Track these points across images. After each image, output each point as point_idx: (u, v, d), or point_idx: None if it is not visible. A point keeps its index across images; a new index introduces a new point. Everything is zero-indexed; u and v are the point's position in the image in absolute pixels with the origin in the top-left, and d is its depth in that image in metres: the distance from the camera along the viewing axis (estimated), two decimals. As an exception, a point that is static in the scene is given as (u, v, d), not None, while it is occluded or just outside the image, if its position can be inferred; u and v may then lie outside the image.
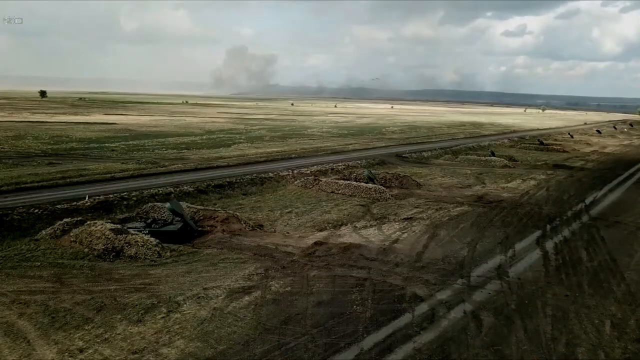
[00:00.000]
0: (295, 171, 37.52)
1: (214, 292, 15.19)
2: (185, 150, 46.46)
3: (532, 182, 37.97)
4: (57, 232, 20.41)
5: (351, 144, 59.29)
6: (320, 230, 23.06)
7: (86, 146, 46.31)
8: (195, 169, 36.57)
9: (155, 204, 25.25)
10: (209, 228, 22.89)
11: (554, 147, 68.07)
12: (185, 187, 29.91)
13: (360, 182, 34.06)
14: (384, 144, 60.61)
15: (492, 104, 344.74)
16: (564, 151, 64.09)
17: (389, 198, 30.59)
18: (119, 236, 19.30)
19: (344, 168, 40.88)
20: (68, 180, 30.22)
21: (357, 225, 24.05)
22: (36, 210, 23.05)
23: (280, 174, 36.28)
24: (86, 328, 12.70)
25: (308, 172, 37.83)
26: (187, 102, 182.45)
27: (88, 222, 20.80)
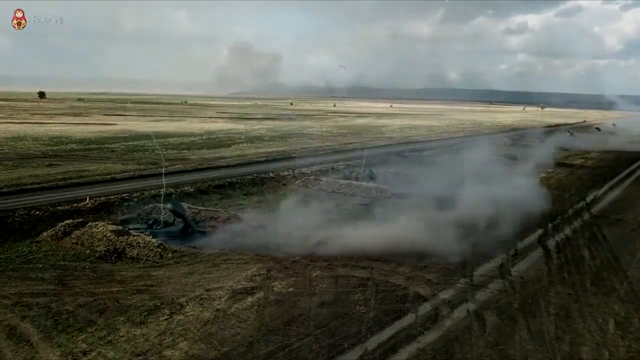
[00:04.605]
0: (295, 171, 37.49)
1: (216, 293, 15.16)
2: (186, 151, 46.44)
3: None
4: (59, 233, 20.35)
5: (351, 142, 59.23)
6: (322, 230, 22.98)
7: (86, 147, 46.27)
8: (196, 170, 36.55)
9: (157, 205, 25.21)
10: (210, 229, 22.87)
11: None
12: (186, 188, 29.89)
13: (361, 181, 34.07)
14: (383, 143, 60.56)
15: (490, 102, 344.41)
16: (565, 149, 64.17)
17: (389, 197, 30.56)
18: (120, 237, 19.28)
19: (344, 167, 40.83)
20: (68, 181, 30.18)
21: (358, 224, 23.98)
22: (37, 212, 23.02)
23: (281, 173, 36.25)
24: (89, 330, 12.67)
25: (308, 171, 37.80)
26: (186, 102, 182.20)
27: (89, 224, 20.76)
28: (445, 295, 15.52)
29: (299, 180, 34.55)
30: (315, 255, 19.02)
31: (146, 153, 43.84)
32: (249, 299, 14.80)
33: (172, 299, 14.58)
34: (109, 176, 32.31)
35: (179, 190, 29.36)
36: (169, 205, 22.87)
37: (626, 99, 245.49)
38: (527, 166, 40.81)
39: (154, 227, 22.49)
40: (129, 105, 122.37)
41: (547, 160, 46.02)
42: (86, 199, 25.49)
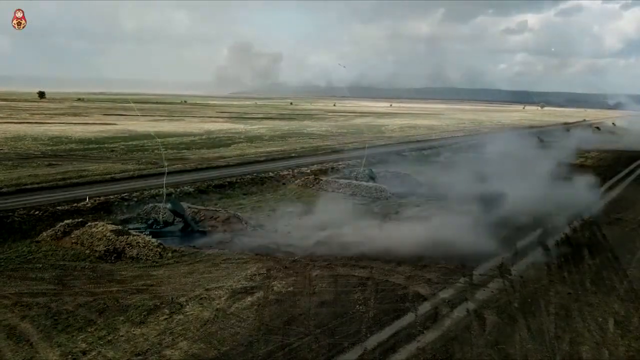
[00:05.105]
0: (295, 170, 37.48)
1: (216, 292, 15.16)
2: (185, 150, 46.43)
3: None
4: (58, 233, 20.33)
5: (351, 142, 59.19)
6: (322, 230, 22.99)
7: (85, 147, 46.25)
8: (196, 169, 36.54)
9: (156, 204, 25.20)
10: (210, 228, 22.87)
11: None
12: (186, 188, 29.87)
13: (360, 181, 34.06)
14: (383, 142, 60.57)
15: (490, 102, 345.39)
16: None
17: (390, 197, 30.56)
18: (120, 237, 19.27)
19: (344, 167, 40.83)
20: (68, 181, 30.16)
21: (358, 224, 24.00)
22: (37, 212, 23.00)
23: (281, 173, 36.25)
24: (89, 330, 12.67)
25: (308, 171, 37.80)
26: (185, 102, 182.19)
27: (89, 224, 20.74)
28: (445, 294, 15.52)
29: (298, 180, 34.54)
30: (315, 254, 19.03)
31: (146, 153, 43.82)
32: (249, 299, 14.79)
33: (172, 298, 14.58)
34: (109, 176, 32.30)
35: (178, 189, 29.36)
36: (168, 205, 22.88)
37: (625, 98, 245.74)
38: (524, 165, 40.82)
39: (154, 226, 22.51)
40: (132, 105, 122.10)
41: (547, 160, 46.07)
42: (86, 199, 25.48)
